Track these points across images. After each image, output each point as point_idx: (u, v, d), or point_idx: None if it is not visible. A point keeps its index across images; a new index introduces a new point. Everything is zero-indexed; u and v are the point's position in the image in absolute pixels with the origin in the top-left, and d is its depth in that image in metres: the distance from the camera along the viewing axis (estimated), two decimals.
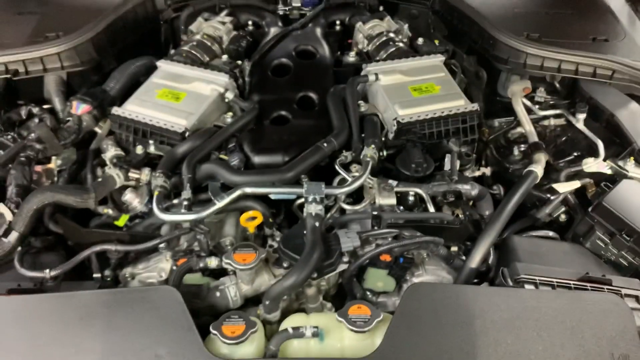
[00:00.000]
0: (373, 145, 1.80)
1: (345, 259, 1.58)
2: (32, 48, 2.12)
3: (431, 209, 1.74)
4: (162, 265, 1.70)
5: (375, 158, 1.78)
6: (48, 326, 1.35)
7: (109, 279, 1.68)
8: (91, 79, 2.23)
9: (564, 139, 2.06)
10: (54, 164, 1.95)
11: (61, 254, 1.75)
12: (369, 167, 1.74)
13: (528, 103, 2.17)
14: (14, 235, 1.65)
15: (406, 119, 1.90)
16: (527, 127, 2.05)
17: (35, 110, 2.07)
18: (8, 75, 2.10)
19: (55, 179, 1.94)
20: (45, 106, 2.13)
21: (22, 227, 1.66)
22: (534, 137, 2.00)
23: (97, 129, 2.03)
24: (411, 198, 1.77)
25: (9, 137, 1.95)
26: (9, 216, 1.69)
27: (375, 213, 1.66)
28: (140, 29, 2.43)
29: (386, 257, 1.60)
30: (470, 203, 1.87)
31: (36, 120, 2.05)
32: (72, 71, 2.16)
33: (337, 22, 2.50)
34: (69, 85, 2.20)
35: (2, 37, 2.20)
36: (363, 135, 1.89)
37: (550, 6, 2.49)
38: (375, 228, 1.66)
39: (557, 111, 2.13)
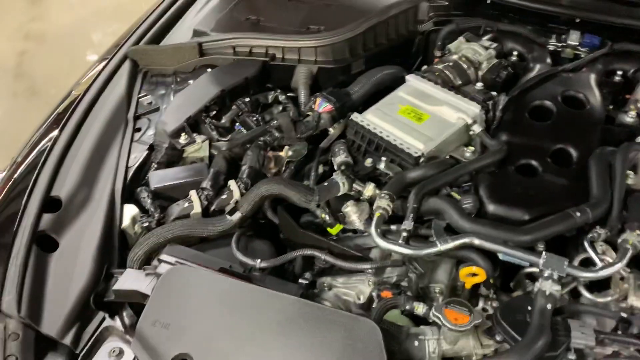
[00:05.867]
0: (638, 231, 1.49)
1: (572, 356, 1.33)
2: (293, 37, 2.19)
3: None
4: (362, 287, 1.62)
5: (638, 247, 1.47)
6: (248, 319, 1.36)
7: (307, 281, 1.66)
8: (338, 78, 2.23)
9: None
10: (285, 153, 1.98)
11: (269, 243, 1.78)
12: (628, 256, 1.43)
13: None
14: (237, 216, 1.71)
15: None
16: None
17: (282, 97, 2.14)
18: (267, 59, 2.19)
19: (283, 168, 1.99)
20: (290, 94, 2.19)
21: (246, 209, 1.72)
22: None
23: (330, 129, 2.03)
24: None
25: (254, 118, 2.03)
26: (236, 195, 1.76)
27: (624, 315, 1.37)
28: (396, 37, 2.36)
29: None
30: None
31: (280, 107, 2.12)
32: (323, 67, 2.18)
33: (619, 73, 2.13)
34: (316, 79, 2.23)
35: (273, 22, 2.31)
36: (625, 213, 1.58)
37: None
38: (619, 332, 1.37)
39: None
